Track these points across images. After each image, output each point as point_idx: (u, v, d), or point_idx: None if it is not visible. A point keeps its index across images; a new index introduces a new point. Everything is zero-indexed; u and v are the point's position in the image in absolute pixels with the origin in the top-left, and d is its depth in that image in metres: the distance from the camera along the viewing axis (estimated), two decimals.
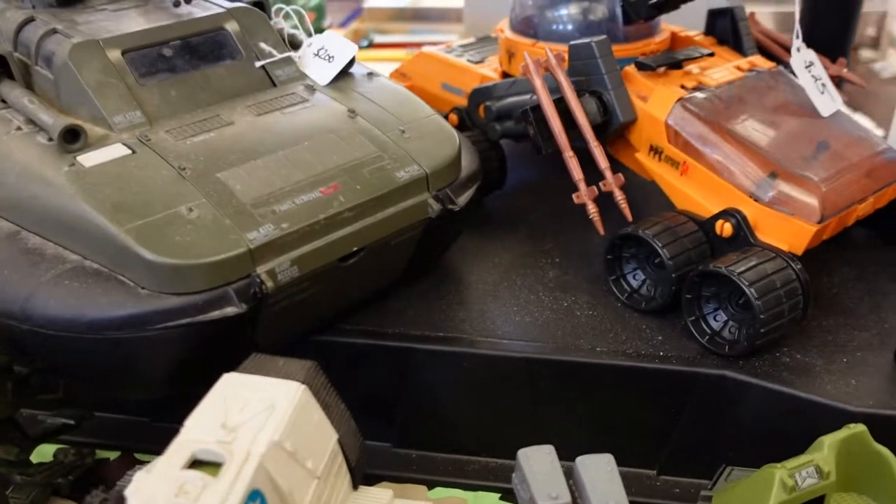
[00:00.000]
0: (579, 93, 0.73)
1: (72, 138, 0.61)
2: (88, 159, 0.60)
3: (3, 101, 0.68)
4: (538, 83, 0.71)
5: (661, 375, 0.65)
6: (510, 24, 0.89)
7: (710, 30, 0.87)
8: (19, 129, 0.65)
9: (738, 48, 0.84)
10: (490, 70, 0.91)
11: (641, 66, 0.75)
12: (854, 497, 0.57)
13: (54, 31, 0.69)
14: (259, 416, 0.45)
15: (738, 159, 0.69)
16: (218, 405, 0.45)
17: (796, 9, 0.75)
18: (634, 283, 0.73)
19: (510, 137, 0.85)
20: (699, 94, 0.73)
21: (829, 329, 0.69)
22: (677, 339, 0.68)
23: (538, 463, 0.56)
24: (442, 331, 0.70)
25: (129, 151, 0.62)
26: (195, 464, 0.42)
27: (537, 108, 0.71)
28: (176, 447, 0.42)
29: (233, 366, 0.48)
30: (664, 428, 0.67)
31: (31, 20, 0.72)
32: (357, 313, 0.71)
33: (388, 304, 0.72)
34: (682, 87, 0.74)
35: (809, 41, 0.78)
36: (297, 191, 0.61)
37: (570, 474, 0.53)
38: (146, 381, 0.61)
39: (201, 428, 0.44)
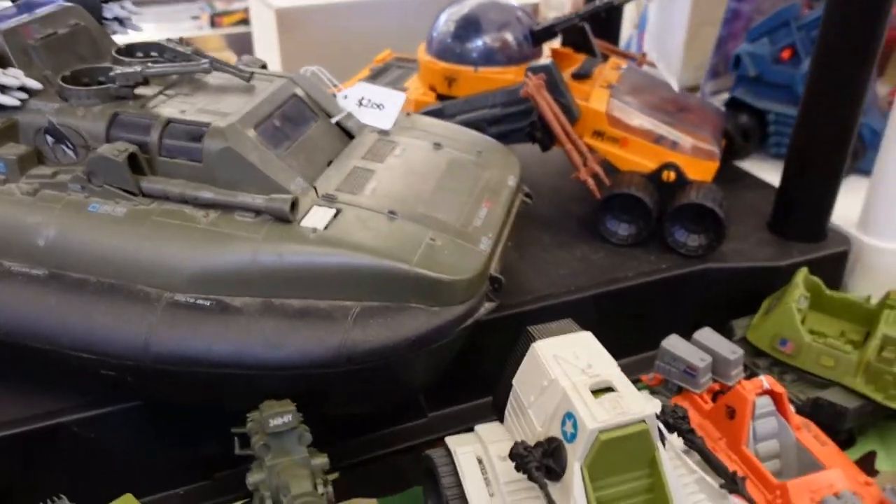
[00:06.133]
0: None
1: (294, 209, 0.70)
2: (316, 224, 0.70)
3: (149, 196, 0.72)
4: (545, 101, 0.95)
5: (679, 278, 0.97)
6: (434, 53, 1.10)
7: (565, 43, 1.19)
8: (206, 216, 0.70)
9: (591, 53, 1.18)
10: (420, 95, 1.11)
11: (578, 76, 1.04)
12: None
13: (170, 122, 0.73)
14: None
15: (662, 128, 1.02)
16: None
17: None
18: (611, 227, 1.03)
19: None
20: (615, 90, 1.05)
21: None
22: (661, 255, 1.00)
23: (678, 344, 0.84)
24: None
25: (335, 211, 0.72)
26: None
27: (541, 118, 0.96)
28: None
29: None
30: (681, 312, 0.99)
31: (115, 116, 0.74)
32: None
33: None
34: (602, 87, 1.05)
35: None
36: (474, 209, 0.78)
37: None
38: (420, 388, 0.75)
39: None
